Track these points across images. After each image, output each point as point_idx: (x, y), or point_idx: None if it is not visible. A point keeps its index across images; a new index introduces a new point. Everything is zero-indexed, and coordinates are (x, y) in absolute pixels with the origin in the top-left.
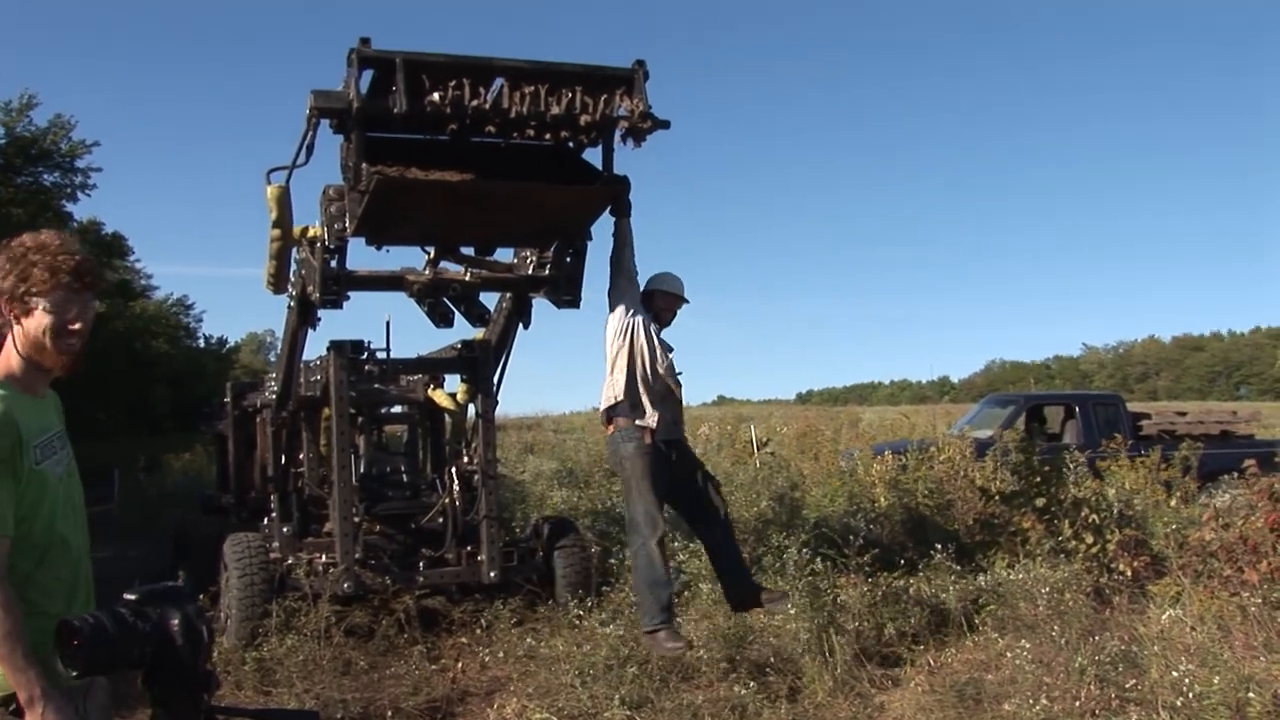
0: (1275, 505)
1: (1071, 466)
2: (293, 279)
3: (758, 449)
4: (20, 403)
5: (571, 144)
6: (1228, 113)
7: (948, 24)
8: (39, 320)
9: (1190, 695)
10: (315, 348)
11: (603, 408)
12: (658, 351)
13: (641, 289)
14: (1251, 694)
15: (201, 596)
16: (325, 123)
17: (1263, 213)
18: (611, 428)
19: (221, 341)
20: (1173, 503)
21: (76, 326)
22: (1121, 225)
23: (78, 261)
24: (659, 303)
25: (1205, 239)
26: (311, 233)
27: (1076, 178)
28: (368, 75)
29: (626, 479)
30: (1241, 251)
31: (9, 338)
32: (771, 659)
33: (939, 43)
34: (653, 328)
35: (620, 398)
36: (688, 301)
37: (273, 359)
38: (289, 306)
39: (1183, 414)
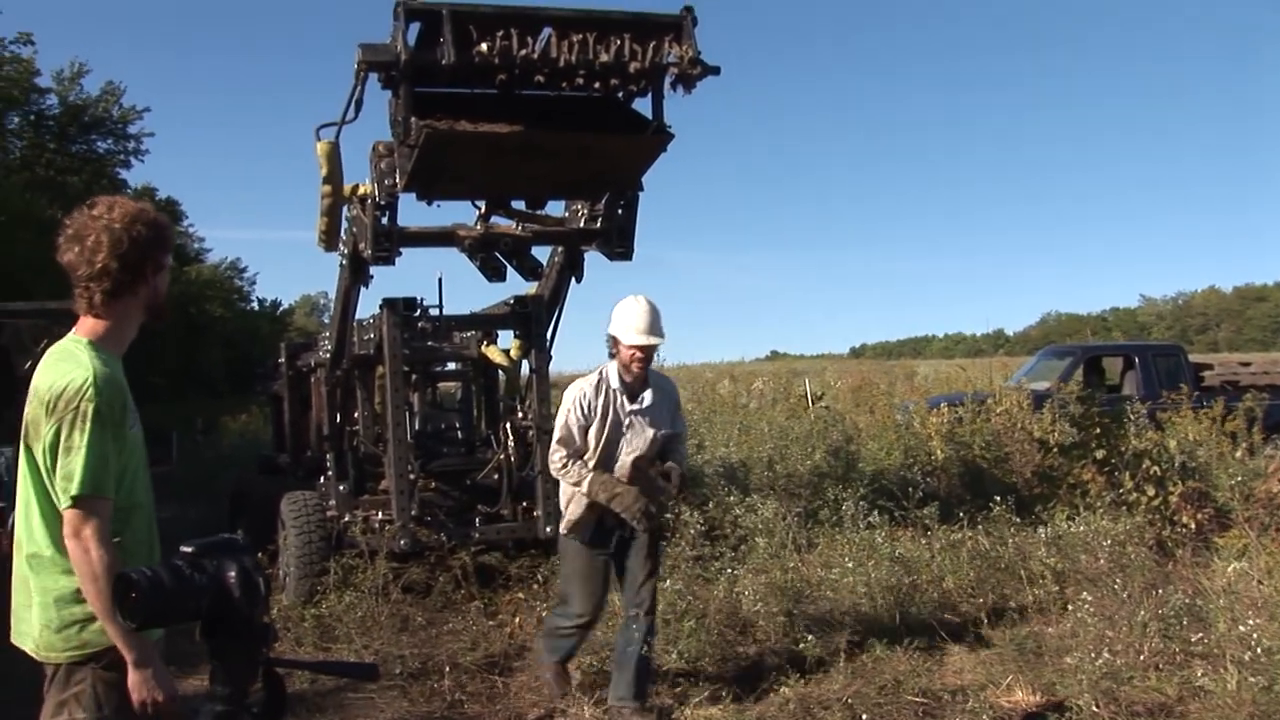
0: None
1: (1132, 418)
2: (344, 237)
3: (813, 403)
4: (118, 367)
5: (621, 93)
6: None
7: None
8: (166, 278)
9: (1259, 650)
10: (368, 306)
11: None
12: (625, 432)
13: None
14: None
15: (260, 554)
16: (374, 78)
17: None
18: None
19: (275, 304)
20: (1237, 454)
21: None
22: (1180, 173)
23: None
24: (622, 353)
25: (1267, 185)
26: (362, 190)
27: (1133, 125)
28: (415, 28)
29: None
30: None
31: (110, 310)
32: (830, 612)
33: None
34: (619, 400)
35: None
36: (655, 343)
37: (326, 321)
38: (341, 265)
39: (1247, 364)
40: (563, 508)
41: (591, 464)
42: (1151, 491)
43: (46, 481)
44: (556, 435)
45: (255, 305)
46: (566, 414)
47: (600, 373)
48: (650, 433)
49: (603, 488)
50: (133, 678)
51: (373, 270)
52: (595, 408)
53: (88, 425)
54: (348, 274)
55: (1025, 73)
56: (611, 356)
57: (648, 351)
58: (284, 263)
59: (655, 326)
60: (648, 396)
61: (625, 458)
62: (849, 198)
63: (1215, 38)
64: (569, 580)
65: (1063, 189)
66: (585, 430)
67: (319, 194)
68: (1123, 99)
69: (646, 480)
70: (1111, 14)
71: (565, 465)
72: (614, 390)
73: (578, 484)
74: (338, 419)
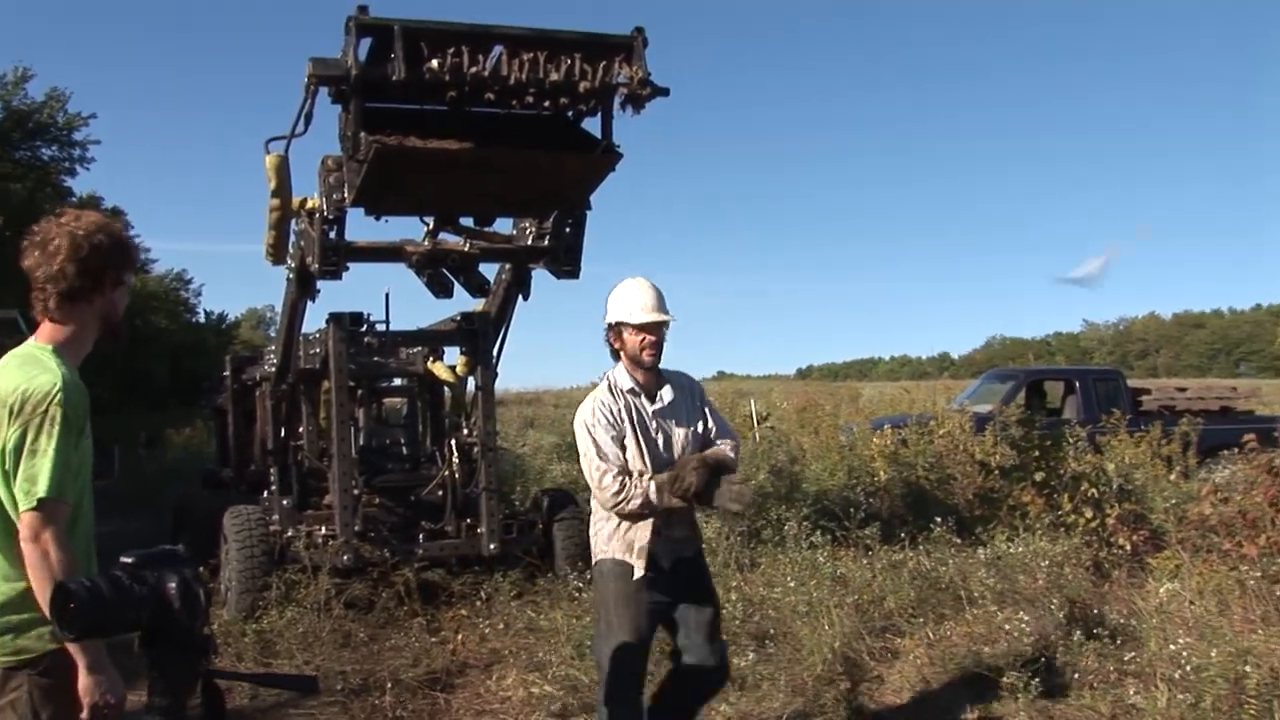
0: (1274, 480)
1: (1071, 441)
2: (292, 251)
3: (758, 423)
4: (77, 375)
5: (570, 112)
6: (1229, 89)
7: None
8: (124, 294)
9: (1188, 668)
10: (314, 320)
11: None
12: (656, 438)
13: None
14: (1249, 667)
15: (202, 569)
16: (324, 92)
17: (1264, 191)
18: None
19: (221, 317)
20: (1172, 477)
21: None
22: (1121, 202)
23: None
24: (629, 342)
25: (1207, 216)
26: (310, 204)
27: (1077, 153)
28: (366, 43)
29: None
30: (1243, 229)
31: (66, 314)
32: (771, 631)
33: (935, 22)
34: (639, 404)
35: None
36: (665, 320)
37: (272, 334)
38: (288, 278)
39: (1183, 389)
40: (598, 544)
41: (648, 477)
42: (1089, 513)
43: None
44: (594, 459)
45: (201, 318)
46: (592, 432)
47: (606, 380)
48: (681, 432)
49: (665, 482)
50: (85, 682)
51: (320, 284)
52: (620, 414)
53: (55, 429)
54: (294, 288)
55: (968, 99)
56: (615, 357)
57: (659, 333)
58: (230, 275)
59: (662, 304)
60: (666, 393)
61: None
62: (798, 220)
63: (1163, 66)
64: (608, 614)
65: (1009, 214)
66: (622, 441)
67: (267, 207)
68: (1068, 128)
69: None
70: (1054, 34)
71: (622, 487)
72: (628, 393)
73: (646, 504)
74: (282, 433)
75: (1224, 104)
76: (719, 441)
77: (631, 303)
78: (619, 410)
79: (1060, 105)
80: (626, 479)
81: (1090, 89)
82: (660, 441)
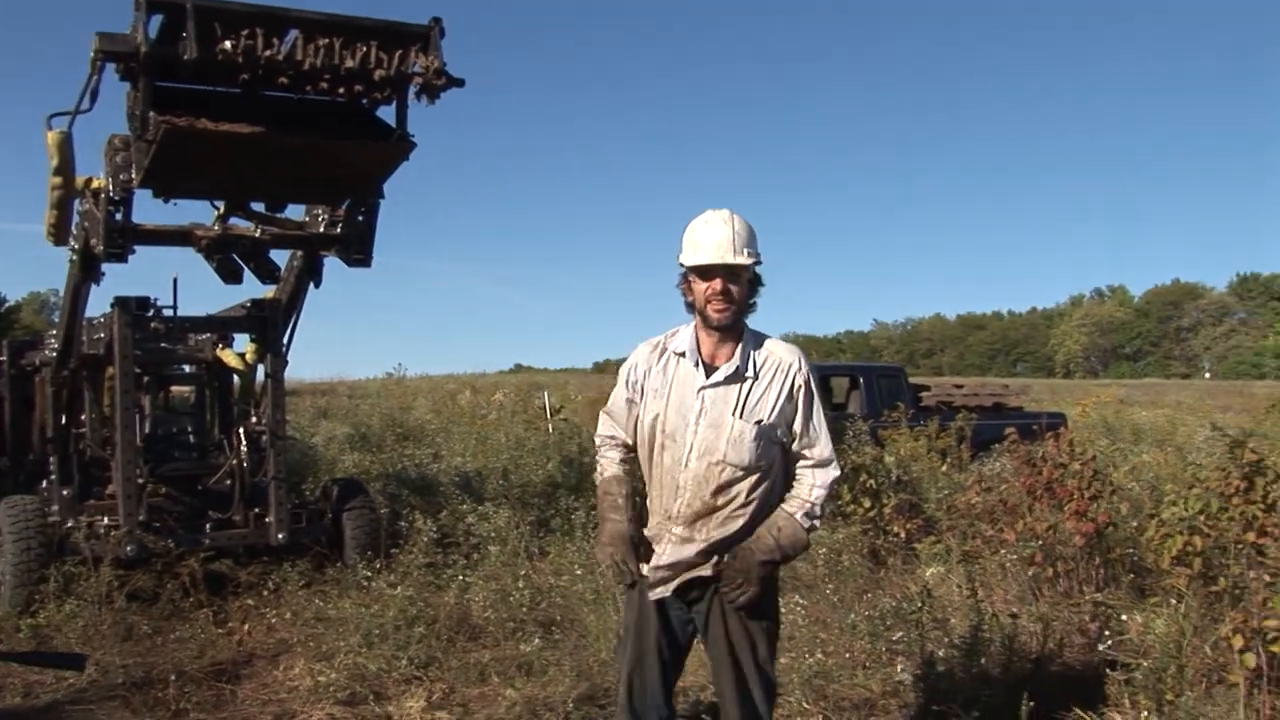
0: (1032, 470)
1: (853, 434)
2: (75, 231)
3: (551, 415)
4: None
5: (365, 100)
6: (1016, 108)
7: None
8: None
9: (949, 644)
10: (99, 304)
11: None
12: (697, 421)
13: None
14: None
15: None
16: (111, 68)
17: (1038, 201)
18: None
19: (0, 300)
20: (945, 469)
21: None
22: (911, 205)
23: None
24: (695, 288)
25: (986, 223)
26: (95, 184)
27: (867, 153)
28: (157, 20)
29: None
30: (1018, 236)
31: None
32: (558, 618)
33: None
34: (687, 372)
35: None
36: (736, 264)
37: (56, 319)
38: (71, 260)
39: (960, 386)
40: None
41: (651, 462)
42: (867, 503)
43: None
44: (603, 408)
45: None
46: (618, 382)
47: (671, 332)
48: (734, 424)
49: (603, 498)
50: None
51: (104, 267)
52: (646, 377)
53: None
54: (78, 270)
55: (771, 103)
56: (690, 310)
57: (728, 282)
58: (10, 256)
59: (737, 243)
60: (731, 363)
61: (695, 461)
62: (599, 216)
63: (944, 83)
64: (624, 614)
65: (799, 214)
66: (632, 406)
67: (49, 185)
68: (853, 127)
69: (708, 509)
70: (845, 37)
71: (600, 446)
72: (679, 356)
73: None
74: (63, 420)
75: (1009, 119)
76: (801, 466)
77: (693, 240)
78: (649, 371)
79: (862, 109)
80: (606, 444)
81: (886, 98)
82: (701, 426)
